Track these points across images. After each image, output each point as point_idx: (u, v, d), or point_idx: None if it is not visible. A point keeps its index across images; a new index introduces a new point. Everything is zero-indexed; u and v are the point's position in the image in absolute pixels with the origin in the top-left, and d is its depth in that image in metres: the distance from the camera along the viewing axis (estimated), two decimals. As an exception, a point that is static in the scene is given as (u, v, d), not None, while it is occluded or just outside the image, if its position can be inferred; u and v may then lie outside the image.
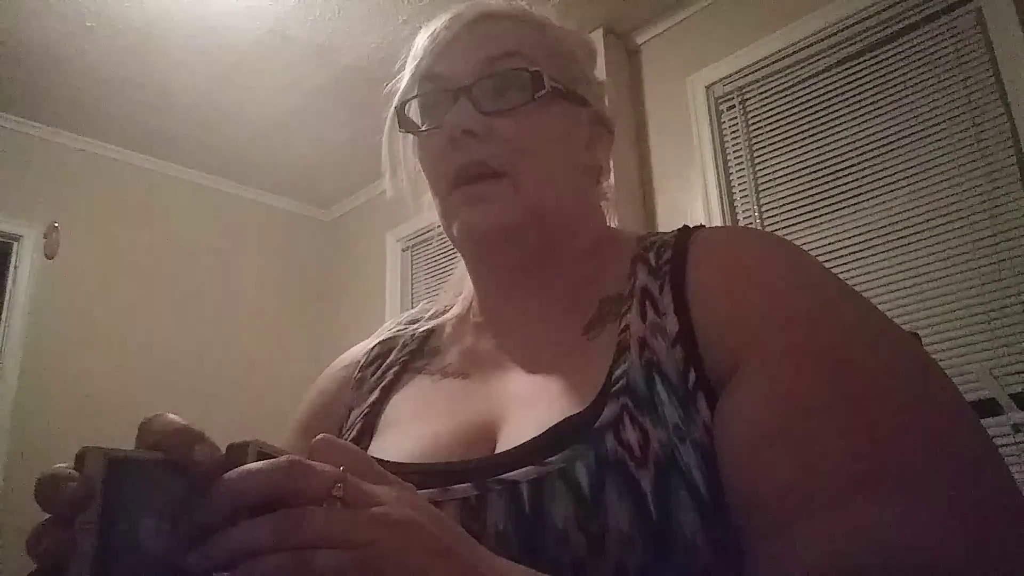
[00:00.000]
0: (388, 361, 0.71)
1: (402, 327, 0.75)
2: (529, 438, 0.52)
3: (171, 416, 0.37)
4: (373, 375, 0.71)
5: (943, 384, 0.46)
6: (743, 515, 0.45)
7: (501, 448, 0.55)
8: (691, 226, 0.62)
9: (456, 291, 0.75)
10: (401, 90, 0.65)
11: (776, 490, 0.43)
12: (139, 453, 0.36)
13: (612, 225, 0.72)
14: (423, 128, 0.65)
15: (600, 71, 0.71)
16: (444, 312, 0.74)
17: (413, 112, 0.66)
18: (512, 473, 0.50)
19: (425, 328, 0.73)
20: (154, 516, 0.35)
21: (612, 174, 0.71)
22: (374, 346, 0.75)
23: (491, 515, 0.49)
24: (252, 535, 0.33)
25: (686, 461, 0.47)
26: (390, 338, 0.74)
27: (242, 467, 0.34)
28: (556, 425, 0.52)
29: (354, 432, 0.65)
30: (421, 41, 0.65)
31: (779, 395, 0.46)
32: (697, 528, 0.46)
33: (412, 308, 0.78)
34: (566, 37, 0.67)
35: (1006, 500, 0.41)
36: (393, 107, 0.66)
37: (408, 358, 0.71)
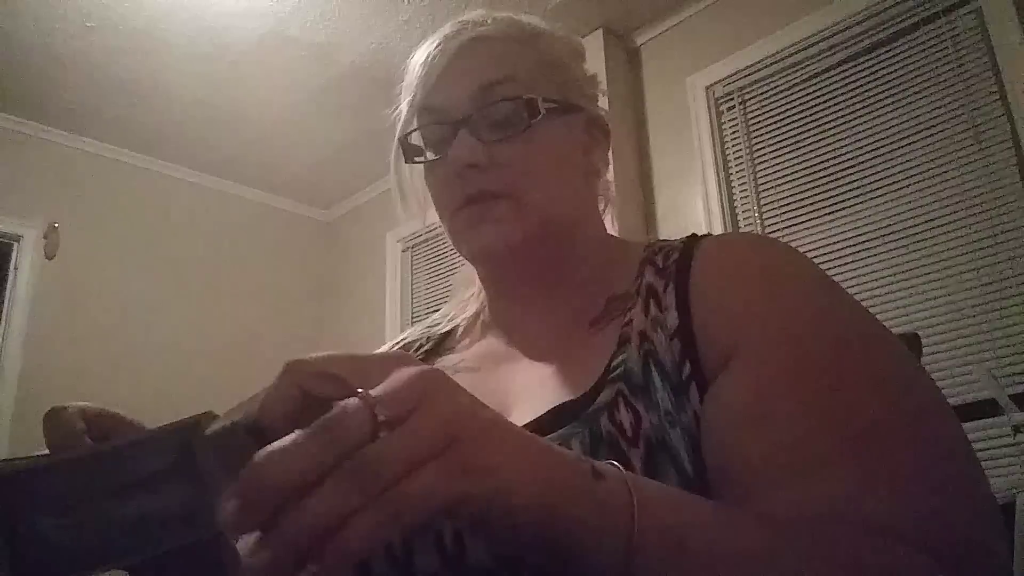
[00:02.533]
0: None
1: (424, 330, 0.79)
2: (530, 419, 0.56)
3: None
4: None
5: (922, 382, 0.50)
6: (722, 488, 0.48)
7: None
8: (699, 234, 0.64)
9: (466, 290, 0.78)
10: (402, 121, 0.67)
11: (751, 463, 0.46)
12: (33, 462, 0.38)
13: (611, 222, 0.74)
14: (427, 158, 0.67)
15: (600, 72, 0.71)
16: (460, 313, 0.77)
17: (416, 138, 0.68)
18: None
19: (442, 330, 0.77)
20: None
21: (611, 170, 0.73)
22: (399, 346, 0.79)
23: None
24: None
25: (675, 444, 0.51)
26: (413, 341, 0.78)
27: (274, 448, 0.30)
28: (555, 407, 0.56)
29: None
30: (415, 67, 0.66)
31: (761, 381, 0.49)
32: None
33: (412, 308, 0.80)
34: (555, 45, 0.68)
35: (965, 485, 0.45)
36: (396, 139, 0.68)
37: (423, 357, 0.74)
